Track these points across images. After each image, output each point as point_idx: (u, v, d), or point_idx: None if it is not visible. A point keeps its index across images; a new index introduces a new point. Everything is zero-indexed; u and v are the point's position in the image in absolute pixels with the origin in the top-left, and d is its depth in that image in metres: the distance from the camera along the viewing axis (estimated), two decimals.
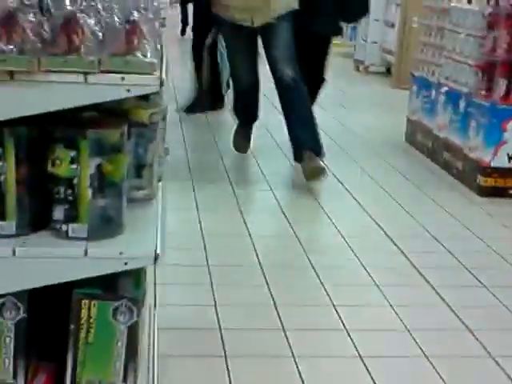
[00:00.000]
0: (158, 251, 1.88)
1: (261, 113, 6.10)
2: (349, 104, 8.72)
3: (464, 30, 5.96)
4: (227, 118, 7.19)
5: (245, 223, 4.53)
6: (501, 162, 5.36)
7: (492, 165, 5.36)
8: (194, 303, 3.44)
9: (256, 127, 6.15)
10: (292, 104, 5.33)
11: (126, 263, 1.86)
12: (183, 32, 14.54)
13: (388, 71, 10.70)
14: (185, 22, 14.38)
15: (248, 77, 5.63)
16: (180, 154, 5.91)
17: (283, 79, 5.25)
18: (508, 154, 5.35)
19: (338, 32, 6.12)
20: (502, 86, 5.38)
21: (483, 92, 5.56)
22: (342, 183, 5.49)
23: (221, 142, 6.53)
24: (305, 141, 5.32)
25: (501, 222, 4.88)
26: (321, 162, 5.33)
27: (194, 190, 5.08)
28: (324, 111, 8.20)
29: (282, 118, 5.51)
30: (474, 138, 5.55)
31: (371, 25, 10.81)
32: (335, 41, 14.27)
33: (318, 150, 5.33)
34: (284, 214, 4.78)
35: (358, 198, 5.16)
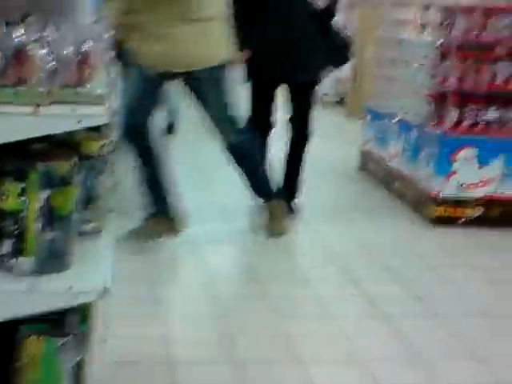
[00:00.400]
0: (107, 285, 1.84)
1: None
2: None
3: (416, 60, 6.04)
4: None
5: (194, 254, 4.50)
6: (451, 191, 5.41)
7: (442, 195, 5.41)
8: (144, 335, 3.40)
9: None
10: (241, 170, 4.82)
11: (74, 298, 1.82)
12: None
13: (342, 101, 10.78)
14: None
15: None
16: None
17: (225, 148, 4.71)
18: (458, 183, 5.41)
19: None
20: (453, 115, 5.45)
21: (434, 122, 5.63)
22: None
23: None
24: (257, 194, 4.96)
25: (452, 252, 4.92)
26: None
27: None
28: (276, 142, 8.21)
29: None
30: (424, 168, 5.60)
31: None
32: None
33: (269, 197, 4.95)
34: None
35: (310, 221, 5.17)
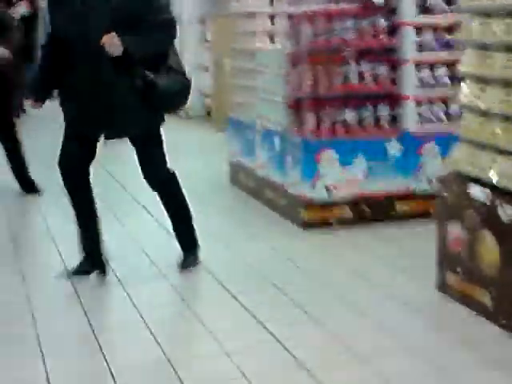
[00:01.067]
0: None
1: None
2: (172, 150, 8.66)
3: (270, 69, 6.10)
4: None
5: None
6: (319, 194, 5.48)
7: (311, 198, 5.48)
8: None
9: None
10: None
11: None
12: None
13: (209, 114, 10.80)
14: None
15: None
16: None
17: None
18: (325, 186, 5.49)
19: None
20: (310, 120, 5.52)
21: (295, 128, 5.70)
22: (167, 230, 5.43)
23: None
24: None
25: (327, 252, 4.99)
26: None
27: None
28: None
29: None
30: (291, 174, 5.66)
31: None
32: None
33: None
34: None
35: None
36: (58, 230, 5.58)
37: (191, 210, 4.79)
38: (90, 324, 3.88)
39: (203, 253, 4.81)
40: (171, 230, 4.84)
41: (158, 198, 4.77)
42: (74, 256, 4.66)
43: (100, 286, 4.52)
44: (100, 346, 3.61)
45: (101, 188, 5.16)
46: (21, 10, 6.56)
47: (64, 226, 5.22)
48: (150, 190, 4.76)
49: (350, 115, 5.56)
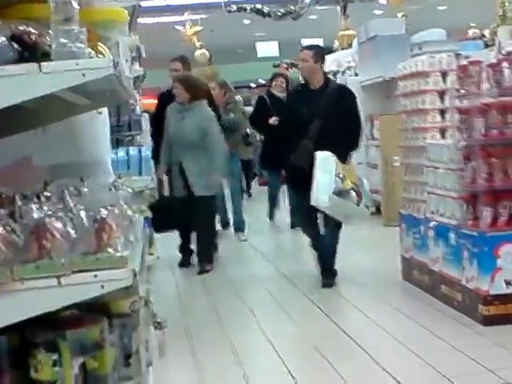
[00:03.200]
0: None
1: None
2: (344, 248, 8.72)
3: (442, 164, 6.08)
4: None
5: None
6: (499, 288, 5.32)
7: (491, 293, 5.33)
8: None
9: None
10: None
11: None
12: None
13: (378, 210, 10.80)
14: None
15: None
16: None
17: None
18: (505, 280, 5.33)
19: None
20: (487, 214, 5.43)
21: (470, 222, 5.61)
22: (344, 331, 5.42)
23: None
24: None
25: (510, 350, 4.79)
26: None
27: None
28: None
29: None
30: (469, 269, 5.54)
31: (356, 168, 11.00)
32: None
33: None
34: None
35: (362, 345, 5.09)
36: None
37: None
38: None
39: (380, 352, 4.76)
40: None
41: None
42: None
43: None
44: None
45: None
46: None
47: None
48: None
49: None
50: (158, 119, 8.20)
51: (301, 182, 6.57)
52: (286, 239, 10.25)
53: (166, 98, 8.27)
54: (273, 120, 8.91)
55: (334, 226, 6.80)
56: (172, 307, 6.36)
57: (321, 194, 6.30)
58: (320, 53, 6.91)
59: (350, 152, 6.75)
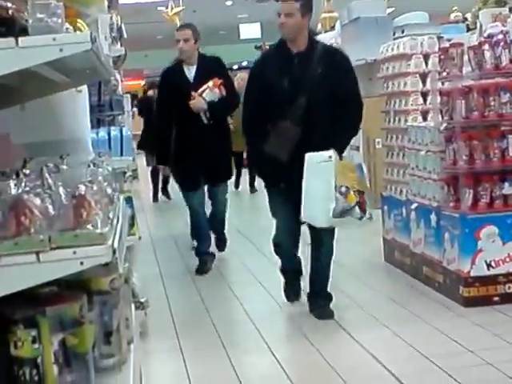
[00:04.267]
0: None
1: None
2: None
3: (423, 146, 6.10)
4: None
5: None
6: (480, 270, 5.36)
7: (472, 274, 5.36)
8: None
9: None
10: None
11: None
12: (155, 198, 13.02)
13: None
14: (156, 188, 13.02)
15: None
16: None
17: None
18: (486, 262, 5.36)
19: None
20: (468, 196, 5.45)
21: (452, 204, 5.63)
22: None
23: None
24: None
25: (491, 332, 4.82)
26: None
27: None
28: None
29: None
30: (450, 250, 5.57)
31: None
32: None
33: None
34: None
35: (343, 325, 5.12)
36: None
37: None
38: None
39: (362, 333, 4.79)
40: None
41: None
42: None
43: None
44: None
45: None
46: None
47: None
48: None
49: (509, 189, 5.45)
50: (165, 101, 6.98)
51: (283, 181, 5.18)
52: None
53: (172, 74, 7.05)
54: None
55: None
56: (154, 287, 6.35)
57: (315, 211, 4.93)
58: (309, 4, 5.20)
59: (350, 140, 5.18)
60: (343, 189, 4.82)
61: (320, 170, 4.85)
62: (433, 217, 5.88)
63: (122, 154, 4.53)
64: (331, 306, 5.38)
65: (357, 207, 4.88)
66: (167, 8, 19.96)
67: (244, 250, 7.91)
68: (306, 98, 5.06)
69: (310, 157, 4.90)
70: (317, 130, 5.02)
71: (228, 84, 6.90)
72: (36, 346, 1.84)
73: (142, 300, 4.76)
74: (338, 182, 4.82)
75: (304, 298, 5.62)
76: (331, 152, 4.91)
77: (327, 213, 4.82)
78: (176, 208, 10.67)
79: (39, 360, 1.86)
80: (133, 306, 2.68)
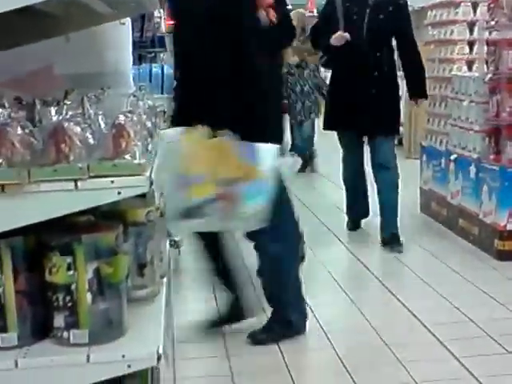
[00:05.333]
0: (161, 351, 1.86)
1: None
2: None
3: (467, 97, 6.00)
4: None
5: None
6: None
7: (508, 228, 5.32)
8: None
9: None
10: None
11: (129, 366, 1.85)
12: None
13: (400, 142, 10.73)
14: None
15: None
16: None
17: None
18: None
19: None
20: (509, 149, 5.38)
21: (492, 156, 5.56)
22: (364, 264, 5.44)
23: None
24: None
25: None
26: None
27: None
28: (339, 188, 8.23)
29: None
30: (487, 203, 5.52)
31: None
32: None
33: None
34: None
35: (379, 277, 5.13)
36: None
37: None
38: None
39: (396, 283, 4.81)
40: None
41: None
42: None
43: None
44: None
45: None
46: None
47: None
48: None
49: None
50: None
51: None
52: None
53: None
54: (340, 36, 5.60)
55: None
56: None
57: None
58: None
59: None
60: (193, 178, 3.17)
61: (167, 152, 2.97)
62: (472, 168, 5.82)
63: (162, 92, 4.53)
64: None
65: (216, 203, 3.21)
66: None
67: None
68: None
69: (161, 134, 3.14)
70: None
71: None
72: (71, 272, 1.87)
73: (177, 239, 4.79)
74: (190, 169, 3.18)
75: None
76: (182, 130, 3.31)
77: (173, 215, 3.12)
78: None
79: (73, 287, 1.88)
80: (167, 241, 2.69)
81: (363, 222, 6.37)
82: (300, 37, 9.28)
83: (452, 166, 6.20)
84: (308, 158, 9.25)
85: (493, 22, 5.61)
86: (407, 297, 4.64)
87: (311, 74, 9.16)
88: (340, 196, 6.60)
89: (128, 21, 3.23)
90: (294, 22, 8.64)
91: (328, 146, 8.12)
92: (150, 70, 4.65)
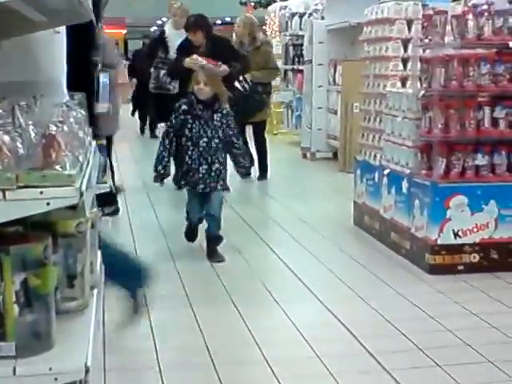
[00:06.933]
0: (89, 364, 1.84)
1: None
2: (298, 191, 8.80)
3: (400, 112, 6.11)
4: None
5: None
6: (447, 239, 5.41)
7: (439, 242, 5.42)
8: None
9: None
10: None
11: (55, 379, 1.82)
12: (142, 131, 15.17)
13: (335, 156, 10.86)
14: (143, 122, 15.09)
15: None
16: None
17: None
18: (453, 231, 5.41)
19: None
20: (440, 164, 5.48)
21: (424, 172, 5.66)
22: (294, 273, 5.48)
23: None
24: None
25: (452, 299, 4.89)
26: None
27: None
28: (274, 201, 8.28)
29: None
30: (419, 218, 5.62)
31: (315, 112, 11.02)
32: (282, 130, 14.47)
33: None
34: (235, 305, 4.74)
35: (309, 286, 5.16)
36: None
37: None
38: None
39: (327, 294, 4.83)
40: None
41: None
42: None
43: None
44: None
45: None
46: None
47: None
48: None
49: (481, 160, 5.49)
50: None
51: None
52: None
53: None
54: None
55: None
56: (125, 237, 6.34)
57: None
58: None
59: None
60: None
61: None
62: (404, 183, 5.91)
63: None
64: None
65: None
66: None
67: None
68: None
69: None
70: None
71: None
72: None
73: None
74: None
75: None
76: None
77: None
78: None
79: (0, 298, 1.85)
80: (98, 251, 2.67)
81: None
82: (249, 46, 9.24)
83: (385, 180, 6.29)
84: None
85: (426, 40, 5.72)
86: (341, 310, 4.68)
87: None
88: None
89: (63, 29, 3.20)
90: (242, 29, 8.90)
91: None
92: None
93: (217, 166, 5.72)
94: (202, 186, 5.74)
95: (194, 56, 7.63)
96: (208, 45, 8.00)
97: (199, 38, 8.03)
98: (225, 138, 5.76)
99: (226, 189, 5.88)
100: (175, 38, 8.78)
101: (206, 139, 5.70)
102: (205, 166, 5.71)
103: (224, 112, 5.78)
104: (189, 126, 5.72)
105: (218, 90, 5.82)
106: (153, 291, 4.36)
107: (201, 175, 5.72)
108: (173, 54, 8.58)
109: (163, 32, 9.30)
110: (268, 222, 7.33)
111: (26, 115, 1.98)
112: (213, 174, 5.71)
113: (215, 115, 5.74)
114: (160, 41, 9.18)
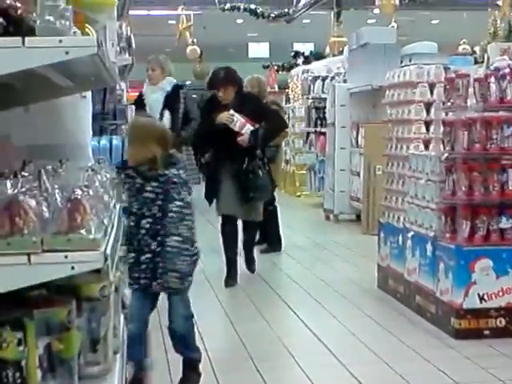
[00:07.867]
0: None
1: None
2: (321, 254, 8.77)
3: (423, 175, 6.10)
4: None
5: None
6: (472, 303, 5.34)
7: (464, 306, 5.35)
8: None
9: None
10: None
11: None
12: None
13: (358, 218, 10.83)
14: None
15: None
16: None
17: None
18: (479, 295, 5.35)
19: None
20: (465, 227, 5.45)
21: (448, 235, 5.62)
22: (318, 337, 5.42)
23: None
24: None
25: (479, 365, 4.80)
26: None
27: None
28: (297, 263, 8.25)
29: None
30: (444, 281, 5.56)
31: (337, 174, 11.04)
32: (305, 192, 14.50)
33: None
34: (258, 370, 4.69)
35: (334, 352, 5.09)
36: None
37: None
38: None
39: (351, 360, 4.76)
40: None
41: None
42: None
43: None
44: None
45: None
46: None
47: None
48: None
49: (506, 223, 5.45)
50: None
51: None
52: None
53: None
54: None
55: None
56: None
57: None
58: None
59: None
60: None
61: None
62: (428, 246, 5.87)
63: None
64: None
65: None
66: (178, 22, 20.06)
67: None
68: None
69: None
70: None
71: None
72: (21, 348, 1.83)
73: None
74: None
75: None
76: None
77: None
78: None
79: (23, 363, 1.84)
80: (122, 315, 2.66)
81: None
82: None
83: (409, 243, 6.25)
84: None
85: (449, 103, 5.74)
86: (365, 375, 4.61)
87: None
88: None
89: (89, 94, 3.24)
90: (250, 88, 8.58)
91: None
92: (111, 142, 4.66)
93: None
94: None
95: (231, 111, 6.81)
96: (235, 102, 6.95)
97: (229, 95, 6.94)
98: None
99: None
100: (148, 92, 7.97)
101: None
102: None
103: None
104: None
105: None
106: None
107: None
108: (148, 110, 7.46)
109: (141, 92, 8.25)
110: (291, 285, 7.28)
111: (52, 179, 1.99)
112: None
113: None
114: (139, 101, 8.06)
